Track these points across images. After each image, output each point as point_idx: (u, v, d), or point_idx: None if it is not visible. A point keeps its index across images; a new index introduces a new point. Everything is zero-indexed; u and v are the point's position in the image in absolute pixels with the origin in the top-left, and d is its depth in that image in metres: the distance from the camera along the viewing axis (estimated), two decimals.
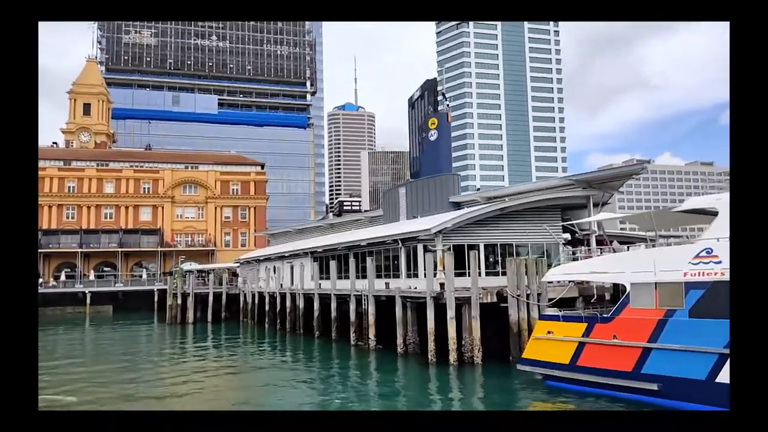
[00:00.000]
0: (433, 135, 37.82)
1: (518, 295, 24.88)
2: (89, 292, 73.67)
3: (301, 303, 39.81)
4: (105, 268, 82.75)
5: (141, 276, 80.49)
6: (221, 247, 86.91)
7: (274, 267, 49.48)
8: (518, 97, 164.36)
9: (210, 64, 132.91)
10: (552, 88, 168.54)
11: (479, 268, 27.78)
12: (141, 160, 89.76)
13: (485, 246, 29.20)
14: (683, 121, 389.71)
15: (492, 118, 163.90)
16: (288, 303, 42.23)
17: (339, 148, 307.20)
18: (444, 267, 25.59)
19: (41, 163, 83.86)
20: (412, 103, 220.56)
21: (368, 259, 30.44)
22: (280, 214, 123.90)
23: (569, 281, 24.01)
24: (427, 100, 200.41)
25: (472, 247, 29.15)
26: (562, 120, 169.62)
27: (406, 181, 43.26)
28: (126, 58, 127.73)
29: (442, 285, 25.84)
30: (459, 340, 24.77)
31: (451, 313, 24.43)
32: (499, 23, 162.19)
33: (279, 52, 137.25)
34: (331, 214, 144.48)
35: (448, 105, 38.17)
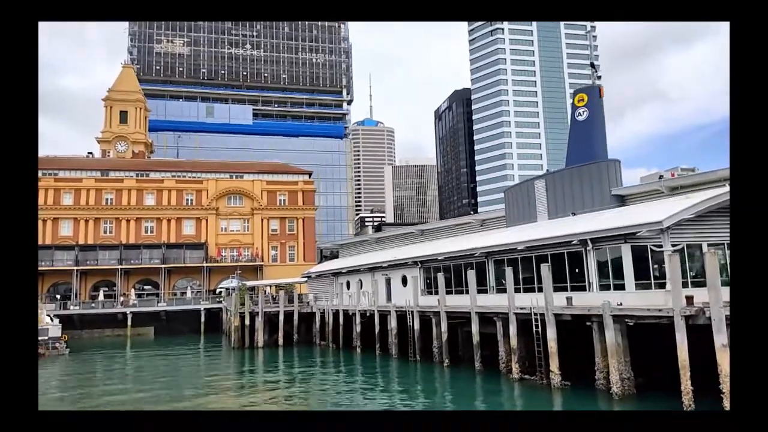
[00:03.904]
0: (581, 114, 30.73)
1: None
2: (130, 312, 67.19)
3: (416, 323, 32.55)
4: (145, 286, 76.32)
5: (185, 294, 73.87)
6: (268, 262, 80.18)
7: (360, 280, 42.38)
8: (556, 100, 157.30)
9: (244, 73, 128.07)
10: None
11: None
12: (183, 169, 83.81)
13: (708, 246, 21.84)
14: (694, 134, 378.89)
15: (530, 126, 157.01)
16: (392, 324, 35.02)
17: (359, 163, 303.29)
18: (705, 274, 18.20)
19: (77, 174, 78.50)
20: (438, 115, 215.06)
21: (544, 267, 23.14)
22: (318, 227, 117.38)
23: None
24: (455, 111, 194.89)
25: (690, 247, 21.83)
26: None
27: (545, 172, 36.07)
28: (158, 68, 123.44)
29: (689, 299, 18.51)
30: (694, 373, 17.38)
31: (722, 338, 17.01)
32: (534, 25, 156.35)
33: (314, 60, 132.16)
34: (370, 228, 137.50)
35: (599, 77, 30.83)
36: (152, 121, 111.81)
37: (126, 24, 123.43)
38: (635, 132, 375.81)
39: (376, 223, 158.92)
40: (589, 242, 22.78)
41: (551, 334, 22.76)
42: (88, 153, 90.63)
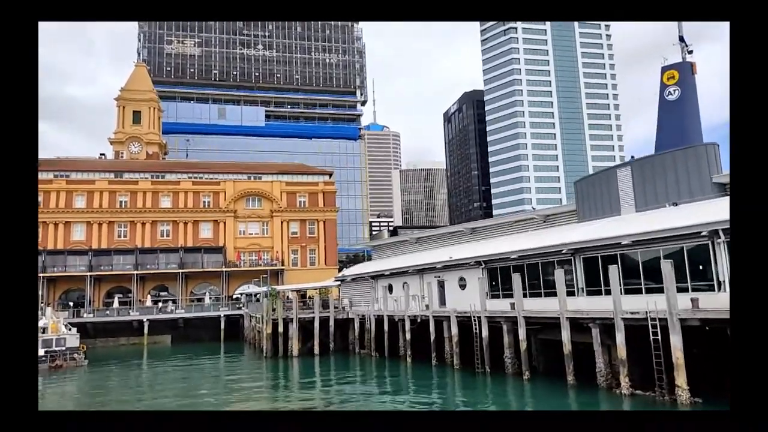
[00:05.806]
0: (672, 93, 27.41)
1: None
2: (147, 320, 63.76)
3: (484, 331, 29.08)
4: (161, 293, 72.89)
5: (202, 300, 70.43)
6: (289, 266, 76.75)
7: (406, 283, 38.94)
8: (572, 100, 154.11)
9: (256, 74, 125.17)
10: (606, 92, 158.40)
11: None
12: (200, 171, 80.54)
13: None
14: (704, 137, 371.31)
15: (546, 127, 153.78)
16: (453, 330, 31.57)
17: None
18: None
19: (90, 176, 75.39)
20: (448, 118, 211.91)
21: (665, 264, 19.69)
22: None
23: None
24: (465, 113, 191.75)
25: None
26: (619, 128, 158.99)
27: (631, 159, 32.08)
28: (169, 69, 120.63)
29: None
30: None
31: None
32: (548, 24, 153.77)
33: (328, 60, 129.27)
34: (386, 232, 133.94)
35: (690, 51, 27.39)
36: (163, 123, 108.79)
37: (135, 26, 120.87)
38: (640, 135, 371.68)
39: (392, 228, 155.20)
40: (720, 233, 19.34)
41: (676, 342, 19.29)
42: (101, 154, 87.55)
